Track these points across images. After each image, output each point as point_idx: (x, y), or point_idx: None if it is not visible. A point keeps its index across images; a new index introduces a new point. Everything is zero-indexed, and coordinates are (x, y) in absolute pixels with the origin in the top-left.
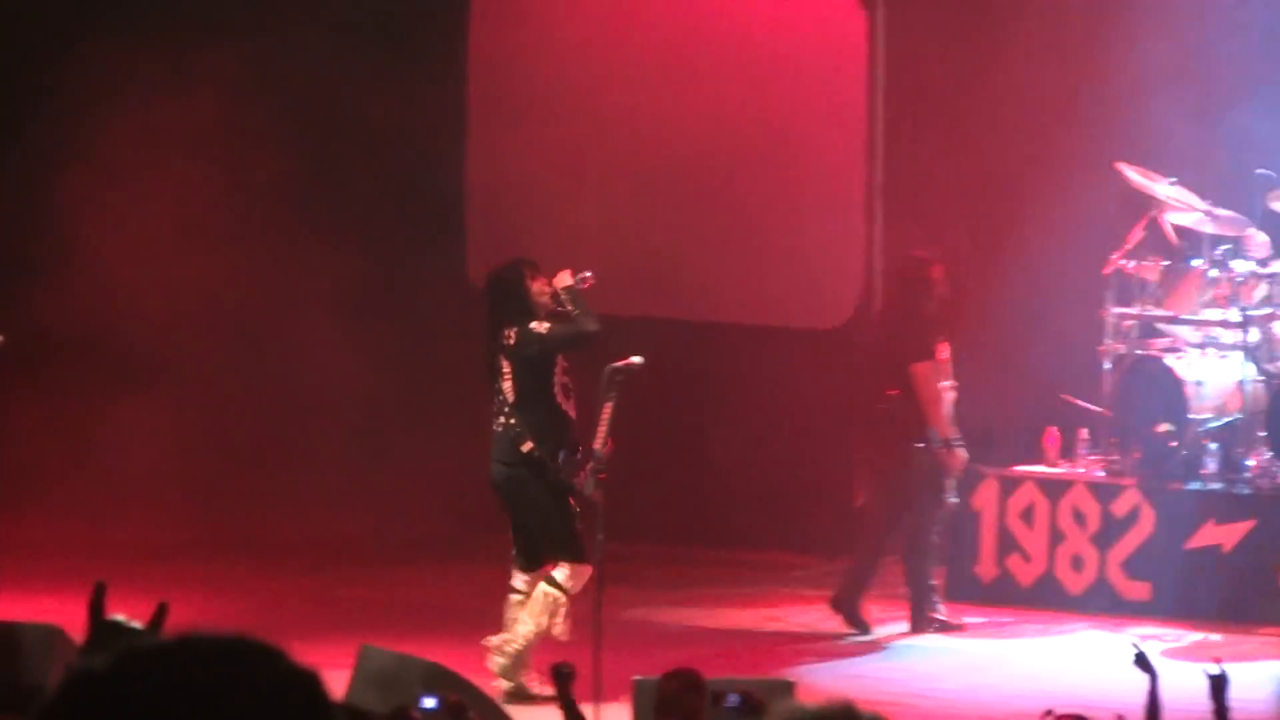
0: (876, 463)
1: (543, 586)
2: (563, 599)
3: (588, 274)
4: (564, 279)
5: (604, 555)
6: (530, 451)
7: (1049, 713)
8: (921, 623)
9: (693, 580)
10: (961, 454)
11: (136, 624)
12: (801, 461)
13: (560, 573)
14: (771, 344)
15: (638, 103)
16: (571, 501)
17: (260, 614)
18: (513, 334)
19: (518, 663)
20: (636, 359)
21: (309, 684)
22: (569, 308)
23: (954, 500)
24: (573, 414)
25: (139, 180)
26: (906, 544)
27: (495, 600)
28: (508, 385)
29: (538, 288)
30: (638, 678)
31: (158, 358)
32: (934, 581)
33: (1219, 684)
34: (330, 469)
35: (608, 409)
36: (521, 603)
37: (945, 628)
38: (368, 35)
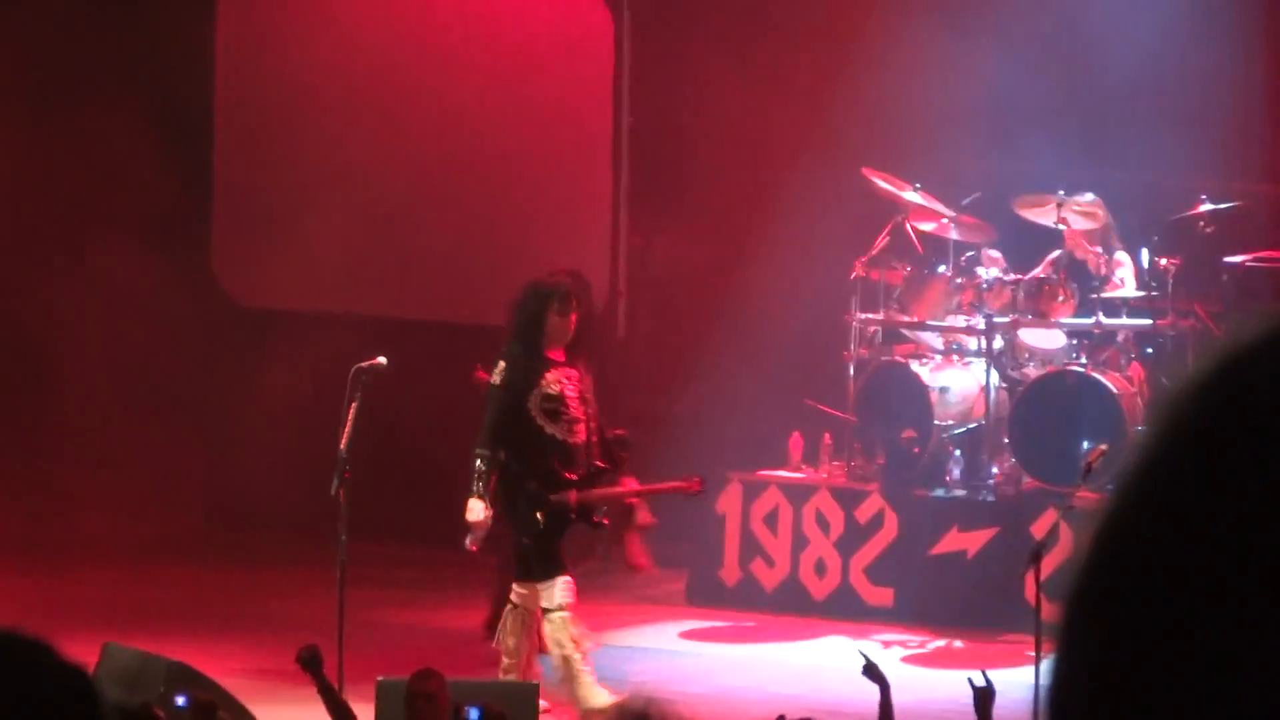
0: None
1: (545, 620)
2: (565, 615)
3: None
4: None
5: (348, 556)
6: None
7: (781, 718)
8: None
9: (438, 581)
10: None
11: None
12: None
13: (544, 598)
14: None
15: (388, 101)
16: (539, 516)
17: (1, 613)
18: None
19: (581, 687)
20: (381, 359)
21: (79, 679)
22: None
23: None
24: (564, 437)
25: None
26: None
27: (240, 601)
28: None
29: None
30: (381, 678)
31: None
32: None
33: (984, 696)
34: (74, 466)
35: (352, 409)
36: (514, 609)
37: None
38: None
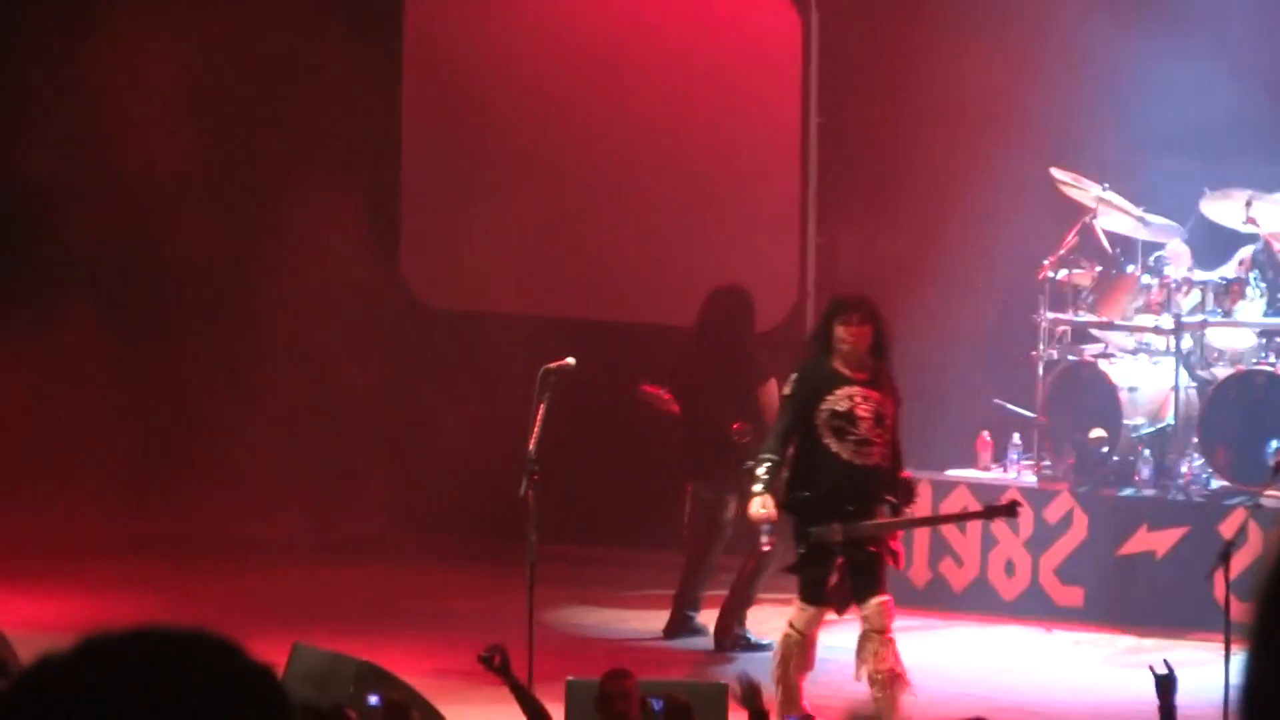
0: (714, 492)
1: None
2: (792, 634)
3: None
4: None
5: (537, 556)
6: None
7: None
8: (726, 639)
9: (624, 582)
10: None
11: None
12: None
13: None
14: None
15: (572, 105)
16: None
17: (192, 613)
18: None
19: (788, 699)
20: (570, 360)
21: (266, 679)
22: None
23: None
24: (848, 457)
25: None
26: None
27: (426, 600)
28: None
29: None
30: (571, 678)
31: (79, 345)
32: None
33: (1166, 684)
34: (263, 466)
35: (541, 410)
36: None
37: (750, 645)
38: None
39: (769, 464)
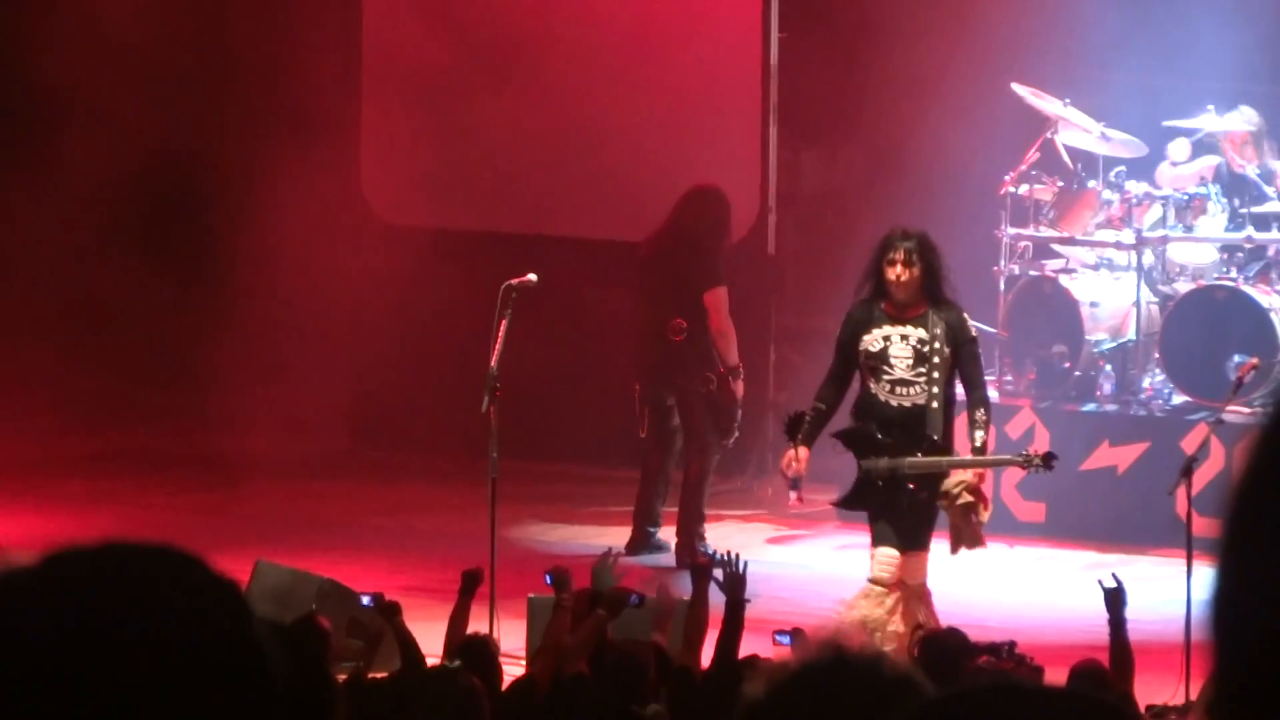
0: (658, 394)
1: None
2: (877, 589)
3: None
4: None
5: (499, 473)
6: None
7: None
8: (688, 555)
9: (587, 498)
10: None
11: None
12: None
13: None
14: None
15: (533, 20)
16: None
17: (154, 530)
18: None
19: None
20: (531, 276)
21: (231, 592)
22: None
23: (737, 430)
24: (885, 398)
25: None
26: (685, 476)
27: (388, 518)
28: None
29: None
30: (533, 595)
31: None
32: (704, 513)
33: (1115, 597)
34: (226, 384)
35: (503, 326)
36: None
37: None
38: None
39: (814, 412)
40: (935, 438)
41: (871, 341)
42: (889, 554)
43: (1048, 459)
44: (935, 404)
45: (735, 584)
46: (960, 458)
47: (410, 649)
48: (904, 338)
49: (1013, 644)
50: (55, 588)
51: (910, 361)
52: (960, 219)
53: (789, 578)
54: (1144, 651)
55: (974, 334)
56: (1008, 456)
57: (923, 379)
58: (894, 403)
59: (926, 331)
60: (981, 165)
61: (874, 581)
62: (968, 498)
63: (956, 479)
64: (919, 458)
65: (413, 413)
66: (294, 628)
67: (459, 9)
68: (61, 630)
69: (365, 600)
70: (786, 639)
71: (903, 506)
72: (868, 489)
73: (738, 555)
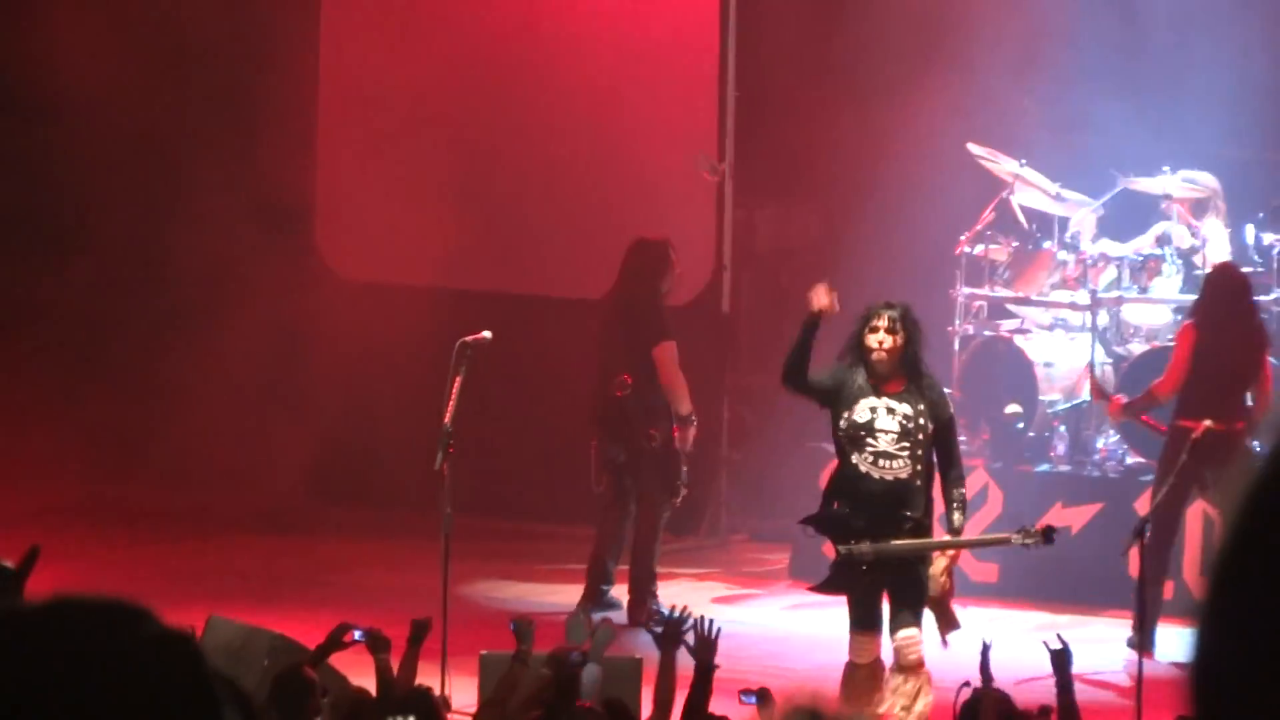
0: (611, 450)
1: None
2: (849, 667)
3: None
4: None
5: (452, 529)
6: None
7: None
8: (640, 614)
9: (539, 556)
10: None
11: (8, 563)
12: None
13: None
14: None
15: (489, 77)
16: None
17: (106, 584)
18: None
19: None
20: (486, 334)
21: (184, 646)
22: None
23: (684, 488)
24: (866, 470)
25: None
26: (635, 535)
27: (341, 573)
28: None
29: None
30: (485, 652)
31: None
32: (655, 570)
33: (1060, 658)
34: (179, 437)
35: (457, 383)
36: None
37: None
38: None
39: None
40: (916, 516)
41: (860, 411)
42: (863, 637)
43: (1047, 534)
44: (919, 481)
45: (706, 647)
46: (954, 539)
47: (387, 687)
48: (890, 411)
49: (1047, 709)
50: (3, 646)
51: (896, 435)
52: (915, 279)
53: (741, 635)
54: (1095, 713)
55: (953, 411)
56: (1003, 535)
57: (906, 453)
58: (876, 475)
59: (911, 407)
60: (937, 225)
61: (853, 665)
62: (947, 584)
63: (940, 564)
64: (906, 541)
65: (368, 468)
66: (286, 677)
67: (415, 67)
68: (11, 689)
69: (358, 634)
70: (753, 699)
71: (899, 587)
72: (851, 572)
73: (712, 620)
